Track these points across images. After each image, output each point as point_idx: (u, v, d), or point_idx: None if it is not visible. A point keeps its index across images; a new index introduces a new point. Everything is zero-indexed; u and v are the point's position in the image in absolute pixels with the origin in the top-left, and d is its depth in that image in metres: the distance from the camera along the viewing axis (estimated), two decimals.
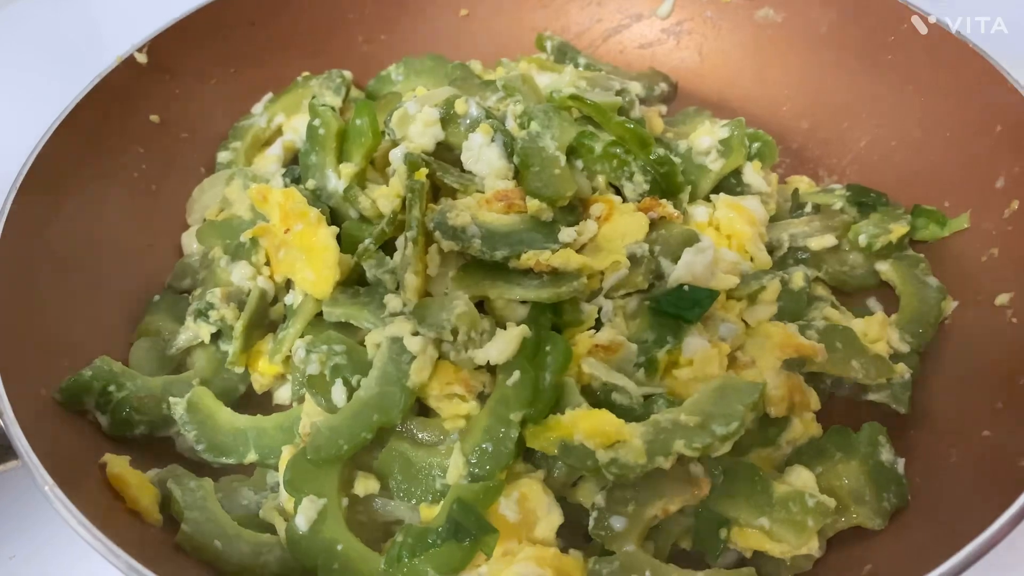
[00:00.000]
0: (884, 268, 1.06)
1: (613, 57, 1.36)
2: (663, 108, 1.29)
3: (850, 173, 1.19)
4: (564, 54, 1.30)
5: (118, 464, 0.87)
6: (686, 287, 0.92)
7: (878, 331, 0.98)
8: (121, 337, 1.03)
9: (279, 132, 1.24)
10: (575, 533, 0.86)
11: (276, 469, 0.91)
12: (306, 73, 1.27)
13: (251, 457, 0.91)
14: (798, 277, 0.99)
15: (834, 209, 1.10)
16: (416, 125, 1.01)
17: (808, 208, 1.11)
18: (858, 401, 0.96)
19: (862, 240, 1.05)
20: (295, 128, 1.21)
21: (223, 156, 1.22)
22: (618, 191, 1.03)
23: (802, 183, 1.17)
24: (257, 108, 1.27)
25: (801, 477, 0.86)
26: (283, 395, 1.01)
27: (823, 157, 1.22)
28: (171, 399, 0.94)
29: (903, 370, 0.95)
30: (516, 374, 0.84)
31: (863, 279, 1.07)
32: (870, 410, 0.95)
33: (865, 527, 0.85)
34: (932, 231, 1.07)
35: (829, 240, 1.05)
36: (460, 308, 0.87)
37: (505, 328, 0.88)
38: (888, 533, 0.85)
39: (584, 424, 0.81)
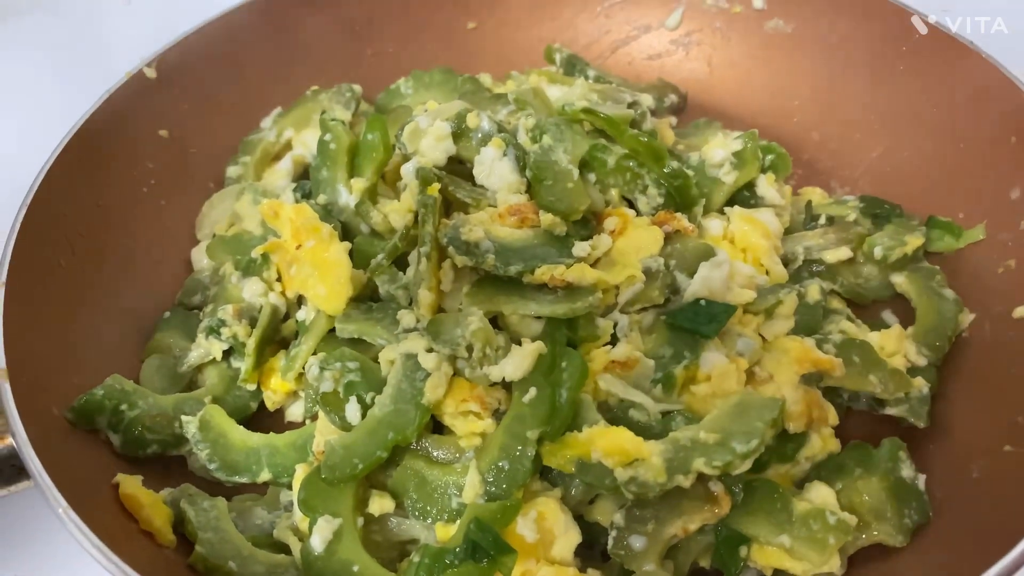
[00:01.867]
0: (899, 280, 1.05)
1: (622, 69, 1.36)
2: (673, 120, 1.28)
3: (863, 184, 1.18)
4: (573, 66, 1.30)
5: (131, 484, 0.86)
6: (703, 302, 0.91)
7: (895, 344, 0.97)
8: (131, 355, 1.03)
9: (288, 146, 1.24)
10: (593, 552, 0.85)
11: (290, 488, 0.90)
12: (315, 87, 1.27)
13: (264, 476, 0.91)
14: (814, 290, 0.99)
15: (848, 221, 1.09)
16: (427, 139, 1.01)
17: (822, 220, 1.10)
18: (876, 415, 0.95)
19: (877, 252, 1.05)
20: (304, 142, 1.21)
21: (232, 171, 1.21)
22: (632, 204, 1.02)
23: (815, 195, 1.17)
24: (266, 122, 1.26)
25: (821, 494, 0.85)
26: (295, 412, 1.00)
27: (835, 169, 1.21)
28: (183, 417, 0.93)
29: (921, 384, 0.94)
30: (532, 391, 0.84)
31: (878, 291, 1.06)
32: (888, 425, 0.94)
33: (887, 544, 0.84)
34: (947, 243, 1.06)
35: (844, 252, 1.04)
36: (475, 324, 0.86)
37: (520, 344, 0.87)
38: (910, 550, 0.84)
39: (602, 442, 0.80)
